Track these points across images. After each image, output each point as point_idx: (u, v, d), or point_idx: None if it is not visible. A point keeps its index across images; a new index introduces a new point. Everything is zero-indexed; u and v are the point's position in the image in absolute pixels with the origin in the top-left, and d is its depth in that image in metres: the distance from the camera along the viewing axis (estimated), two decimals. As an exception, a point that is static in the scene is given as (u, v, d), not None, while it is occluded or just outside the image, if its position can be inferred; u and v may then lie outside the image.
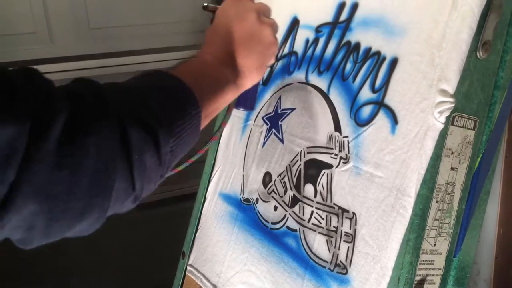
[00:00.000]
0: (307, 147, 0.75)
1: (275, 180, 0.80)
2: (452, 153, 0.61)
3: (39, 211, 0.37)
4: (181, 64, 0.59)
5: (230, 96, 0.63)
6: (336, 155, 0.70)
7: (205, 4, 0.73)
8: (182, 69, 0.57)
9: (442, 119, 0.58)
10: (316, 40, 0.78)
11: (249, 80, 0.65)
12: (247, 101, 0.76)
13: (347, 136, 0.69)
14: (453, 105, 0.58)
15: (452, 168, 0.62)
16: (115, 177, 0.42)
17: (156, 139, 0.46)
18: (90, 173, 0.40)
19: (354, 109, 0.68)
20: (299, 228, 0.74)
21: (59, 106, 0.39)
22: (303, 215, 0.74)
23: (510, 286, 0.98)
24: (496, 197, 0.95)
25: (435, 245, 0.63)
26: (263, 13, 0.66)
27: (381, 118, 0.64)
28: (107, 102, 0.43)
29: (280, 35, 0.86)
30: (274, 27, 0.66)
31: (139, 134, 0.44)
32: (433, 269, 0.64)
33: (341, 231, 0.68)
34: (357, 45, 0.70)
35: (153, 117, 0.46)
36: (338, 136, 0.70)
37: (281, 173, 0.79)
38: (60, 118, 0.38)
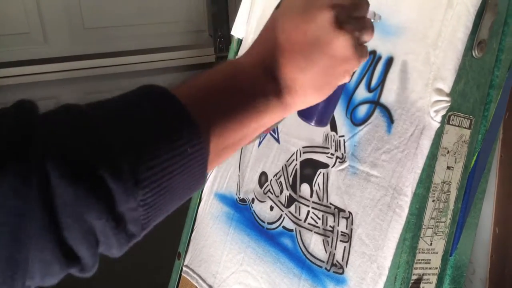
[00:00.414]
0: (303, 147, 0.75)
1: (271, 180, 0.80)
2: (448, 152, 0.61)
3: None
4: (201, 73, 0.44)
5: (268, 119, 0.45)
6: (332, 154, 0.70)
7: None
8: (194, 81, 0.42)
9: (438, 118, 0.58)
10: (311, 40, 0.78)
11: (302, 100, 0.47)
12: (322, 114, 0.55)
13: (343, 136, 0.69)
14: (449, 104, 0.57)
15: (448, 167, 0.62)
16: (29, 247, 0.30)
17: (106, 194, 0.32)
18: None
19: (350, 108, 0.68)
20: (295, 228, 0.74)
21: None
22: (299, 215, 0.74)
23: (506, 285, 0.99)
24: (491, 196, 0.95)
25: (431, 244, 0.63)
26: (349, 11, 0.46)
27: (377, 117, 0.64)
28: (29, 148, 0.30)
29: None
30: (361, 34, 0.47)
31: (72, 190, 0.31)
32: (430, 268, 0.64)
33: (338, 230, 0.67)
34: (353, 44, 0.70)
35: (106, 162, 0.32)
36: (334, 135, 0.70)
37: (277, 173, 0.79)
38: None
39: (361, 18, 0.48)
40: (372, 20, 0.52)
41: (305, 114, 0.54)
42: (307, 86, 0.46)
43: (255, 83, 0.44)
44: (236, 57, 0.94)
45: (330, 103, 0.53)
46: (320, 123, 0.55)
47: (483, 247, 0.99)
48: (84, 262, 0.34)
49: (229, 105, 0.41)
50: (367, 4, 0.49)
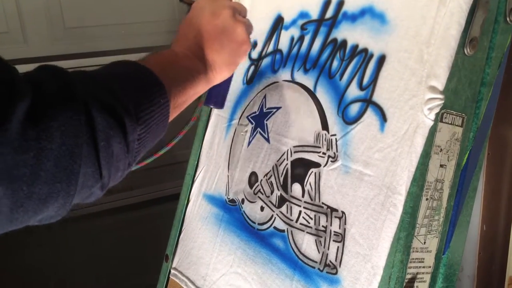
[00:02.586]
0: (294, 146, 0.74)
1: (261, 180, 0.79)
2: (441, 150, 0.61)
3: (2, 195, 0.37)
4: (151, 55, 0.60)
5: (200, 88, 0.64)
6: (324, 153, 0.69)
7: None
8: (152, 59, 0.58)
9: (432, 116, 0.58)
10: (301, 38, 0.77)
11: (219, 75, 0.67)
12: (217, 98, 0.76)
13: (334, 135, 0.68)
14: (443, 101, 0.57)
15: (441, 165, 0.62)
16: (80, 163, 0.41)
17: (123, 125, 0.46)
18: (54, 157, 0.39)
19: (342, 107, 0.68)
20: (287, 229, 0.73)
21: (22, 90, 0.38)
22: (291, 215, 0.73)
23: (494, 281, 0.99)
24: (478, 194, 0.96)
25: (425, 243, 0.63)
26: (239, 11, 0.68)
27: (370, 116, 0.64)
28: (72, 87, 0.43)
29: (264, 33, 0.85)
30: (248, 26, 0.68)
31: (105, 120, 0.44)
32: (423, 267, 0.63)
33: (330, 230, 0.67)
34: (344, 42, 0.69)
35: (120, 104, 0.46)
36: (325, 134, 0.69)
37: (268, 173, 0.78)
38: (23, 101, 0.38)
39: (244, 17, 0.71)
40: None
41: (211, 100, 0.76)
42: (222, 64, 0.66)
43: (191, 64, 0.62)
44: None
45: (224, 86, 0.74)
46: (222, 105, 0.78)
47: (471, 245, 1.00)
48: (104, 181, 0.46)
49: (178, 76, 0.59)
50: (245, 8, 0.73)
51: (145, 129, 0.50)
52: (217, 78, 0.67)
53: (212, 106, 0.79)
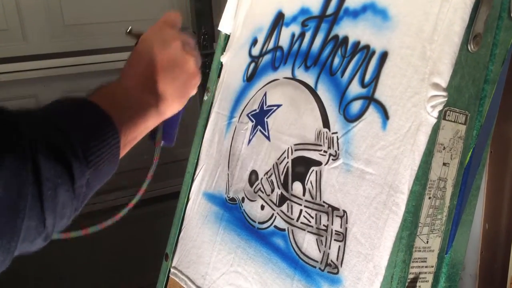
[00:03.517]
0: (295, 144, 0.73)
1: (261, 178, 0.78)
2: (444, 148, 0.60)
3: None
4: (100, 89, 0.58)
5: (151, 122, 0.62)
6: (325, 152, 0.68)
7: (129, 28, 0.70)
8: (100, 94, 0.56)
9: (435, 113, 0.57)
10: (302, 35, 0.76)
11: (171, 107, 0.65)
12: (168, 133, 0.75)
13: (336, 132, 0.67)
14: (446, 99, 0.56)
15: (444, 164, 0.61)
16: (24, 217, 0.38)
17: (71, 171, 0.43)
18: None
19: (343, 104, 0.67)
20: (288, 228, 0.73)
21: None
22: (292, 214, 0.72)
23: (496, 280, 0.99)
24: (481, 192, 0.95)
25: (427, 242, 0.62)
26: (188, 44, 0.67)
27: (372, 114, 0.63)
28: (17, 130, 0.40)
29: (264, 30, 0.84)
30: (197, 58, 0.68)
31: (53, 168, 0.41)
32: (426, 267, 0.63)
33: (332, 229, 0.66)
34: (345, 39, 0.69)
35: (69, 147, 0.43)
36: (326, 132, 0.68)
37: (268, 171, 0.77)
38: None
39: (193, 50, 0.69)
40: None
41: (163, 136, 0.75)
42: (173, 96, 0.64)
43: (141, 97, 0.60)
44: (222, 56, 0.92)
45: (174, 121, 0.73)
46: (172, 141, 0.77)
47: (473, 243, 0.99)
48: (48, 231, 0.43)
49: (129, 111, 0.57)
50: (194, 38, 0.71)
51: (95, 171, 0.47)
52: (168, 111, 0.65)
53: (164, 144, 0.77)
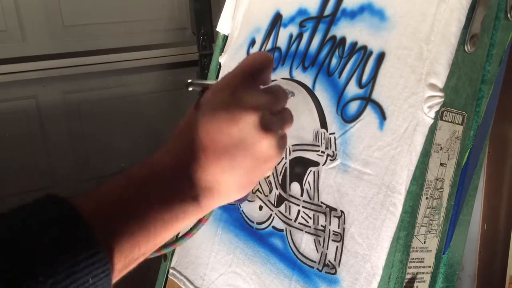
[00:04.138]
0: (293, 145, 0.73)
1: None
2: (441, 148, 0.60)
3: None
4: (117, 179, 0.41)
5: (186, 221, 0.43)
6: (322, 152, 0.68)
7: (189, 80, 0.50)
8: (106, 190, 0.40)
9: (432, 114, 0.57)
10: (300, 35, 0.76)
11: (225, 200, 0.47)
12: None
13: (333, 133, 0.67)
14: (443, 99, 0.56)
15: (441, 164, 0.61)
16: None
17: None
18: None
19: (341, 105, 0.67)
20: (286, 228, 0.73)
21: None
22: (290, 214, 0.72)
23: (494, 281, 0.99)
24: (479, 192, 0.95)
25: (425, 242, 0.62)
26: (271, 109, 0.45)
27: (369, 114, 0.63)
28: None
29: (262, 31, 0.84)
30: (280, 133, 0.46)
31: None
32: (423, 267, 0.63)
33: (329, 230, 0.66)
34: (343, 39, 0.69)
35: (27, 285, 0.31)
36: (324, 133, 0.69)
37: (266, 171, 0.77)
38: None
39: (282, 112, 0.48)
40: (290, 97, 0.54)
41: None
42: (230, 186, 0.45)
43: (172, 188, 0.42)
44: (220, 56, 0.92)
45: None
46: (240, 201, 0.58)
47: (472, 243, 0.99)
48: None
49: (141, 218, 0.39)
50: (285, 96, 0.49)
51: None
52: (219, 203, 0.46)
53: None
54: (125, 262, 0.38)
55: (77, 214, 0.35)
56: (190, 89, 0.49)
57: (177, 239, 0.51)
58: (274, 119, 0.46)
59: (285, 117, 0.48)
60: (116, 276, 0.38)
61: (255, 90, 0.45)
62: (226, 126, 0.43)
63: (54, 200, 0.36)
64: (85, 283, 0.33)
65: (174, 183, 0.42)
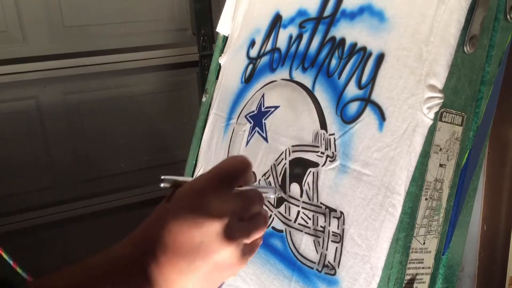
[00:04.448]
0: (292, 146, 0.73)
1: (259, 179, 0.78)
2: (441, 149, 0.60)
3: None
4: (74, 269, 0.41)
5: None
6: (322, 153, 0.68)
7: (162, 177, 0.49)
8: (63, 282, 0.40)
9: (431, 115, 0.57)
10: (299, 36, 0.76)
11: None
12: None
13: (333, 134, 0.67)
14: (442, 100, 0.57)
15: (441, 165, 0.61)
16: None
17: None
18: None
19: (340, 106, 0.67)
20: (285, 229, 0.73)
21: None
22: (289, 215, 0.72)
23: (494, 281, 0.99)
24: (479, 193, 0.95)
25: (424, 243, 0.62)
26: (240, 214, 0.45)
27: (368, 115, 0.63)
28: None
29: (262, 32, 0.84)
30: (246, 240, 0.45)
31: None
32: (423, 268, 0.63)
33: (329, 231, 0.66)
34: (342, 40, 0.69)
35: None
36: (324, 133, 0.69)
37: (266, 172, 0.77)
38: None
39: (255, 217, 0.46)
40: (273, 196, 0.52)
41: None
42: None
43: (126, 281, 0.41)
44: (220, 57, 0.92)
45: None
46: None
47: (472, 244, 0.99)
48: None
49: None
50: (260, 200, 0.47)
51: None
52: None
53: None
54: None
55: None
56: (162, 185, 0.48)
57: None
58: (241, 227, 0.44)
59: (256, 223, 0.46)
60: None
61: (225, 196, 0.44)
62: (189, 229, 0.42)
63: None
64: None
65: (131, 275, 0.42)
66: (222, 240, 0.42)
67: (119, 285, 0.41)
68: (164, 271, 0.43)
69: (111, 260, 0.43)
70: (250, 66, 0.85)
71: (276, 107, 0.78)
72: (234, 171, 0.46)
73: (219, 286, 0.50)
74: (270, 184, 0.76)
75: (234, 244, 0.43)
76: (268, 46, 0.82)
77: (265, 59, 0.83)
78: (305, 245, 0.69)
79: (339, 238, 0.64)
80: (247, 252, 0.45)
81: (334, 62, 0.69)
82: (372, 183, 0.61)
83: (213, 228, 0.42)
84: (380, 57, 0.63)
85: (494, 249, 0.97)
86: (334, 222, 0.65)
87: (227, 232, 0.42)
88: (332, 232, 0.66)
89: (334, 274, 0.64)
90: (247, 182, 0.48)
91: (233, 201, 0.44)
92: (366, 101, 0.63)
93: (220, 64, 0.93)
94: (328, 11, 0.72)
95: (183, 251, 0.42)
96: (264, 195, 0.49)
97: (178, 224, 0.43)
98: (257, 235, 0.46)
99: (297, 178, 0.72)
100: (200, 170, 0.92)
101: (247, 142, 0.82)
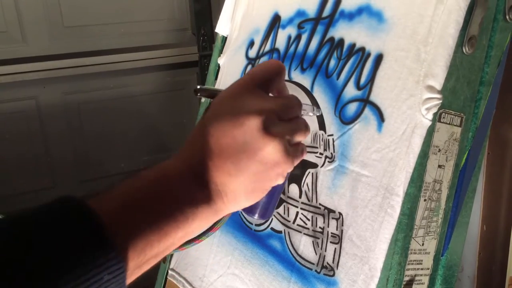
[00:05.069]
0: (291, 146, 0.73)
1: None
2: (439, 150, 0.60)
3: None
4: (128, 180, 0.42)
5: (198, 224, 0.44)
6: (321, 154, 0.68)
7: (198, 86, 0.52)
8: (119, 191, 0.40)
9: (430, 116, 0.57)
10: (298, 37, 0.76)
11: (234, 205, 0.47)
12: (263, 209, 0.56)
13: (332, 135, 0.67)
14: (441, 101, 0.56)
15: (440, 166, 0.61)
16: None
17: None
18: None
19: (339, 106, 0.67)
20: (284, 230, 0.73)
21: None
22: (288, 216, 0.72)
23: (494, 282, 0.98)
24: (479, 194, 0.95)
25: (423, 244, 0.62)
26: (279, 115, 0.45)
27: (367, 116, 0.63)
28: None
29: (261, 32, 0.84)
30: (288, 138, 0.46)
31: None
32: (422, 269, 0.62)
33: (328, 232, 0.66)
34: (341, 41, 0.69)
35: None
36: (322, 134, 0.68)
37: (265, 173, 0.77)
38: None
39: (293, 119, 0.47)
40: (311, 114, 0.55)
41: (246, 209, 0.53)
42: (237, 191, 0.45)
43: (182, 189, 0.43)
44: (219, 57, 0.92)
45: (271, 198, 0.54)
46: (263, 216, 0.56)
47: (471, 245, 0.99)
48: None
49: (153, 216, 0.40)
50: (299, 105, 0.49)
51: None
52: (230, 208, 0.47)
53: (249, 215, 0.58)
54: (138, 261, 0.39)
55: (93, 214, 0.36)
56: (198, 95, 0.50)
57: (184, 243, 0.52)
58: (282, 124, 0.45)
59: (297, 125, 0.48)
60: (129, 276, 0.38)
61: (261, 96, 0.45)
62: (230, 130, 0.43)
63: (69, 200, 0.36)
64: (100, 279, 0.34)
65: (184, 184, 0.43)
66: (264, 135, 0.43)
67: (175, 195, 0.42)
68: (213, 176, 0.44)
69: (164, 173, 0.43)
70: (249, 67, 0.85)
71: (275, 108, 0.78)
72: (268, 74, 0.47)
73: (253, 211, 0.54)
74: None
75: (277, 139, 0.44)
76: (267, 47, 0.82)
77: (264, 60, 0.82)
78: (304, 246, 0.69)
79: (338, 239, 0.64)
80: (291, 151, 0.46)
81: (332, 62, 0.69)
82: (371, 184, 0.61)
83: (253, 124, 0.43)
84: (379, 58, 0.63)
85: (494, 250, 0.97)
86: (333, 223, 0.65)
87: (267, 127, 0.43)
88: (331, 233, 0.65)
89: (333, 275, 0.64)
90: (281, 91, 0.49)
91: (271, 101, 0.45)
92: (365, 101, 0.63)
93: (219, 64, 0.93)
94: (326, 11, 0.72)
95: (228, 152, 0.43)
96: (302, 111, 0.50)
97: (219, 128, 0.44)
98: (299, 136, 0.48)
99: (296, 179, 0.72)
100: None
101: (246, 143, 0.82)
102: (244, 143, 0.43)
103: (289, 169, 0.48)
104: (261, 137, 0.43)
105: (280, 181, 0.49)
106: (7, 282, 0.31)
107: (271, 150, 0.44)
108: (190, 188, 0.43)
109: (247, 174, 0.45)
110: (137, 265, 0.39)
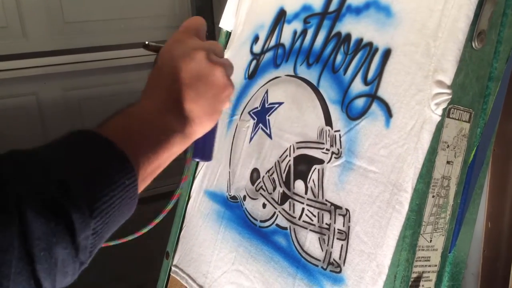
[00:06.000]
0: (297, 142, 0.72)
1: (263, 176, 0.78)
2: (448, 146, 0.60)
3: None
4: (113, 117, 0.50)
5: (177, 148, 0.54)
6: (327, 150, 0.68)
7: (147, 42, 0.63)
8: (114, 124, 0.49)
9: (439, 111, 0.56)
10: (304, 32, 0.75)
11: (200, 127, 0.57)
12: (204, 150, 0.65)
13: (338, 130, 0.67)
14: (450, 96, 0.56)
15: (448, 162, 0.60)
16: (8, 284, 0.35)
17: (70, 225, 0.38)
18: None
19: (346, 102, 0.66)
20: (290, 226, 0.72)
21: None
22: (294, 212, 0.72)
23: (498, 279, 0.98)
24: (483, 191, 0.95)
25: (431, 241, 0.61)
26: (214, 52, 0.57)
27: (375, 111, 0.62)
28: (1, 191, 0.36)
29: (266, 27, 0.83)
30: (227, 67, 0.57)
31: (45, 225, 0.36)
32: (429, 266, 0.62)
33: (334, 228, 0.65)
34: (348, 36, 0.68)
35: (66, 198, 0.38)
36: (329, 130, 0.68)
37: (270, 169, 0.77)
38: None
39: (221, 57, 0.59)
40: None
41: (196, 152, 0.65)
42: (201, 114, 0.55)
43: (163, 122, 0.53)
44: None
45: (210, 135, 0.63)
46: (209, 157, 0.66)
47: (476, 242, 0.98)
48: None
49: (148, 140, 0.51)
50: (222, 48, 0.61)
51: (104, 219, 0.42)
52: (198, 131, 0.57)
53: (199, 160, 0.70)
54: (142, 174, 0.48)
55: (106, 139, 0.44)
56: (148, 49, 0.63)
57: (155, 217, 0.67)
58: (218, 58, 0.57)
59: (226, 60, 0.59)
60: (140, 187, 0.48)
61: (198, 39, 0.58)
62: (185, 65, 0.54)
63: (81, 131, 0.45)
64: (123, 183, 0.44)
65: (162, 117, 0.53)
66: (210, 63, 0.54)
67: (159, 122, 0.52)
68: (181, 105, 0.54)
69: (145, 110, 0.53)
70: (254, 62, 0.84)
71: (280, 104, 0.77)
72: (196, 25, 0.60)
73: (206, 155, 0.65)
74: (274, 182, 0.75)
75: (220, 66, 0.55)
76: (272, 42, 0.81)
77: (269, 55, 0.82)
78: (310, 242, 0.68)
79: (345, 235, 0.64)
80: (229, 77, 0.58)
81: (339, 57, 0.69)
82: (379, 180, 0.61)
83: (201, 56, 0.54)
84: (387, 53, 0.62)
85: (498, 247, 0.97)
86: (340, 220, 0.65)
87: (211, 58, 0.55)
88: (338, 229, 0.65)
89: (340, 271, 0.64)
90: (203, 36, 0.61)
91: (206, 42, 0.58)
92: (373, 97, 0.63)
93: (223, 60, 0.92)
94: (333, 6, 0.71)
95: (188, 83, 0.54)
96: None
97: (176, 66, 0.54)
98: (230, 69, 0.59)
99: (302, 175, 0.71)
100: (203, 167, 0.92)
101: (251, 139, 0.81)
102: (197, 72, 0.54)
103: (231, 93, 0.59)
104: (209, 65, 0.54)
105: (227, 104, 0.60)
106: (50, 212, 0.37)
107: (219, 73, 0.55)
108: (167, 119, 0.53)
109: (205, 97, 0.55)
110: (142, 178, 0.48)
